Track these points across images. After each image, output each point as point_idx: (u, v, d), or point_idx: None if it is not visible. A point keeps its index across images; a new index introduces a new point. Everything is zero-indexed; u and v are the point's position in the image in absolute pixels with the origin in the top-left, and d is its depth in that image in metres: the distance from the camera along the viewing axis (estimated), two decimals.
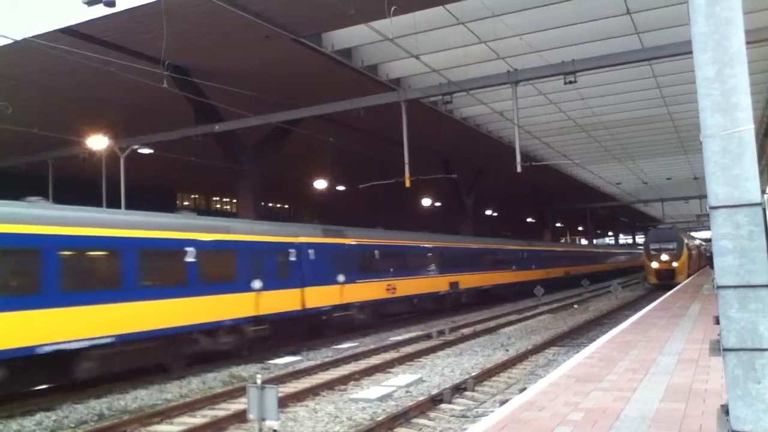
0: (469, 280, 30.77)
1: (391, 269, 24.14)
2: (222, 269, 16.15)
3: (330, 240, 20.50)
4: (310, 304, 18.90)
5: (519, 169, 19.80)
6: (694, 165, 43.27)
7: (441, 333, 20.80)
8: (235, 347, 16.30)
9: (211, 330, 15.41)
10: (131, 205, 20.65)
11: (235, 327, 16.18)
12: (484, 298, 33.46)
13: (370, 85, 21.43)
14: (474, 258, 32.24)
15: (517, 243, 39.97)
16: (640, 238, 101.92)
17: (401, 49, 15.80)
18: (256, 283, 16.83)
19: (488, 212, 62.47)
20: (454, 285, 28.91)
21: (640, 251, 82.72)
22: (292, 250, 18.59)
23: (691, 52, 3.55)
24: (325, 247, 20.08)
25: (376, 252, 23.37)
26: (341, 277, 20.47)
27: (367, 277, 22.24)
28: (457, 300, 30.21)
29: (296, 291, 18.46)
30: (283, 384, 12.93)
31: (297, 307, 18.41)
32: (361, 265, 22.05)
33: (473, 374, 12.82)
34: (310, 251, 19.24)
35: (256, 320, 16.77)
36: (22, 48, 16.67)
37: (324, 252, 19.94)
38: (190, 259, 14.96)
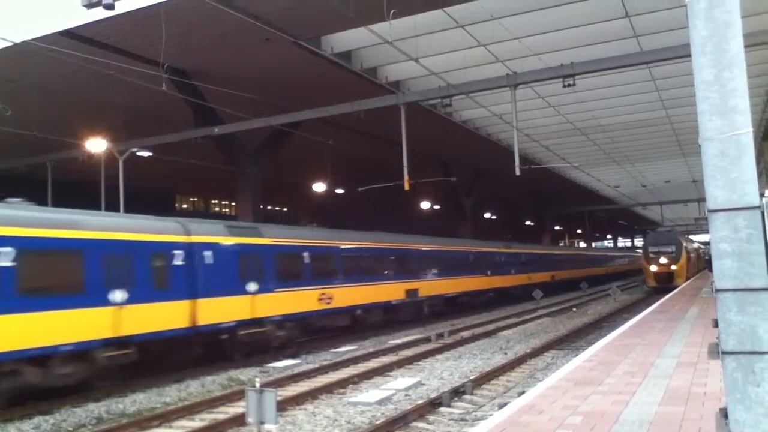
0: (431, 287, 27.24)
1: (327, 275, 20.39)
2: (59, 276, 12.52)
3: (237, 240, 16.90)
4: (205, 319, 15.23)
5: (518, 172, 19.81)
6: (692, 168, 43.31)
7: (440, 336, 20.77)
8: (83, 380, 12.61)
9: (40, 358, 11.73)
10: (130, 208, 20.67)
11: (81, 353, 12.45)
12: (452, 307, 29.70)
13: (369, 88, 21.43)
14: (439, 261, 28.63)
15: (493, 245, 36.35)
16: (638, 241, 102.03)
17: (401, 52, 15.82)
18: (117, 295, 13.24)
19: (487, 215, 62.47)
20: (411, 293, 25.31)
21: (636, 254, 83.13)
22: (177, 252, 14.84)
23: (689, 55, 3.56)
24: (229, 249, 16.47)
25: (306, 255, 19.49)
26: (252, 286, 16.91)
27: (291, 284, 18.53)
28: (418, 310, 26.47)
29: (183, 304, 14.72)
30: (282, 387, 12.91)
31: (183, 324, 14.66)
32: (283, 270, 18.35)
33: (472, 377, 12.81)
34: (207, 253, 15.65)
35: (118, 343, 13.15)
36: (21, 50, 16.66)
37: (228, 254, 16.35)
38: (2, 263, 11.43)
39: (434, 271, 27.86)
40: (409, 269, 25.80)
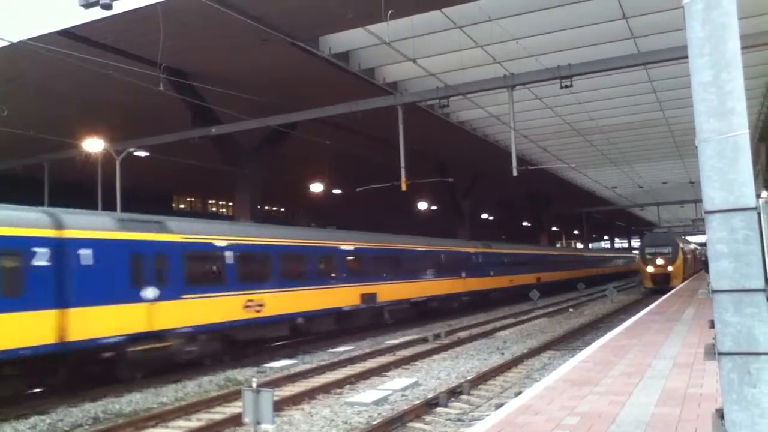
0: (393, 291, 24.35)
1: (257, 278, 17.63)
2: None
3: (130, 236, 13.99)
4: (79, 334, 12.48)
5: (515, 173, 19.83)
6: (689, 169, 43.38)
7: (437, 336, 20.79)
8: None
9: None
10: (127, 208, 20.65)
11: None
12: (420, 312, 27.12)
13: (367, 89, 21.44)
14: (403, 262, 25.85)
15: (470, 244, 33.63)
16: (635, 242, 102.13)
17: (398, 52, 15.82)
18: None
19: (485, 216, 62.52)
20: (368, 297, 22.43)
21: (631, 255, 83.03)
22: (38, 250, 12.06)
23: (687, 57, 3.56)
24: (117, 247, 13.63)
25: (229, 254, 16.66)
26: (150, 292, 14.05)
27: (206, 290, 15.76)
28: (377, 316, 23.61)
29: (46, 315, 12.00)
30: (279, 387, 12.91)
31: (47, 339, 11.96)
32: (197, 272, 15.74)
33: (469, 378, 12.82)
34: (84, 252, 12.87)
35: None
36: (18, 50, 16.65)
37: (116, 254, 13.58)
38: None
39: (397, 272, 25.03)
40: (365, 271, 22.92)
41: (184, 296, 14.97)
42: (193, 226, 16.29)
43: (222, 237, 16.74)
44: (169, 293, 14.54)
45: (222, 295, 16.19)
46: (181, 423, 10.64)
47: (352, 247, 22.56)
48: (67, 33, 16.79)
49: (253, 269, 17.79)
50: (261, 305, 17.34)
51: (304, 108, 22.11)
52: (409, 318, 25.92)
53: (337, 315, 21.04)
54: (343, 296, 21.32)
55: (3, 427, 10.38)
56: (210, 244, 16.30)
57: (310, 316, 19.53)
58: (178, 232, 15.28)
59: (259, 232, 18.67)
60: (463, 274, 30.99)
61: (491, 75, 20.28)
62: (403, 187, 20.08)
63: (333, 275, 21.22)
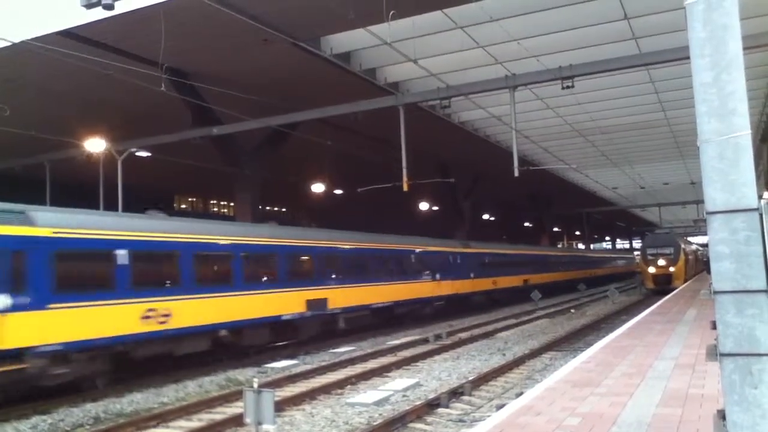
0: (349, 296, 21.35)
1: (160, 283, 14.70)
2: None
3: None
4: None
5: (516, 174, 19.84)
6: (691, 170, 43.37)
7: (438, 337, 20.78)
8: None
9: None
10: (128, 208, 20.66)
11: None
12: (388, 319, 24.58)
13: (368, 89, 21.44)
14: (363, 263, 22.80)
15: (446, 243, 30.70)
16: (637, 243, 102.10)
17: (399, 53, 15.84)
18: None
19: (486, 217, 62.51)
20: (316, 303, 19.50)
21: (628, 256, 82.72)
22: None
23: (688, 58, 3.56)
24: None
25: (121, 253, 13.69)
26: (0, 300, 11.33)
27: (87, 297, 12.83)
28: (330, 325, 20.68)
29: None
30: (280, 388, 12.92)
31: None
32: (74, 276, 12.78)
33: (470, 378, 12.82)
34: None
35: None
36: (20, 50, 16.66)
37: None
38: None
39: (355, 275, 22.01)
40: (312, 273, 19.96)
41: (52, 306, 12.06)
42: (70, 217, 13.18)
43: (110, 232, 13.64)
44: (28, 302, 11.67)
45: (110, 303, 13.23)
46: (182, 423, 10.64)
47: (295, 245, 19.44)
48: (68, 33, 16.80)
49: (156, 272, 14.79)
50: (166, 315, 14.31)
51: (305, 108, 22.11)
52: (375, 325, 23.27)
53: (275, 325, 18.04)
54: (282, 303, 18.17)
55: (4, 427, 10.40)
56: (93, 240, 13.21)
57: (237, 328, 16.57)
58: (45, 225, 12.34)
59: (165, 227, 15.24)
60: (437, 276, 28.32)
61: (493, 75, 20.27)
62: (405, 188, 20.08)
63: (269, 278, 18.16)
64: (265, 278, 18.12)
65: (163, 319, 14.23)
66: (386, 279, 24.08)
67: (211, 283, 16.09)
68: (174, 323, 14.47)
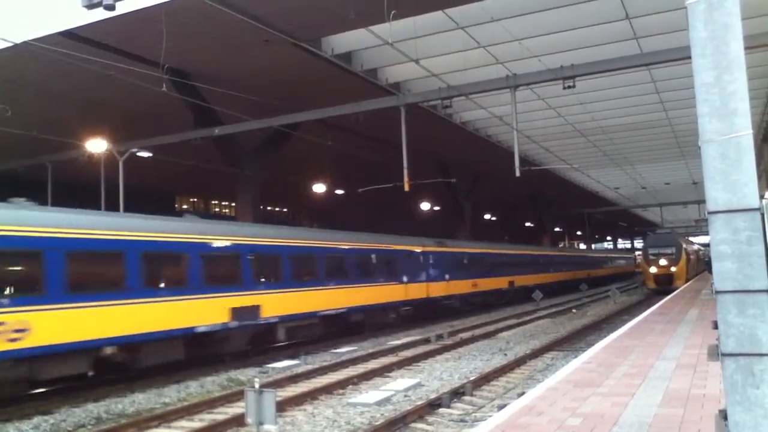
0: (289, 302, 18.42)
1: (16, 291, 11.70)
2: None
3: None
4: None
5: (517, 174, 19.83)
6: (692, 170, 43.35)
7: (440, 337, 20.78)
8: None
9: None
10: (130, 209, 20.66)
11: None
12: (345, 327, 21.59)
13: (369, 90, 21.45)
14: (308, 264, 19.84)
15: (413, 242, 26.99)
16: (638, 243, 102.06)
17: (401, 53, 15.82)
18: None
19: (487, 216, 62.51)
20: (244, 312, 16.54)
21: (627, 256, 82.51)
22: None
23: (689, 57, 3.56)
24: None
25: None
26: None
27: None
28: (265, 338, 17.93)
29: None
30: (282, 388, 12.92)
31: None
32: None
33: (472, 379, 12.81)
34: None
35: None
36: (21, 51, 16.68)
37: None
38: None
39: (299, 277, 19.21)
40: (240, 276, 16.87)
41: None
42: None
43: None
44: None
45: None
46: (184, 423, 10.65)
47: (214, 244, 16.30)
48: (69, 34, 16.83)
49: (8, 277, 11.76)
50: (21, 331, 11.31)
51: (307, 109, 22.13)
52: (326, 335, 20.49)
53: (188, 339, 15.01)
54: (196, 311, 15.11)
55: (6, 427, 10.41)
56: None
57: (131, 344, 13.50)
58: None
59: (19, 219, 11.83)
60: (404, 279, 25.20)
61: (494, 75, 20.27)
62: (406, 188, 20.09)
63: (177, 282, 14.97)
64: (172, 282, 14.88)
65: (16, 335, 11.23)
66: (339, 282, 21.10)
67: (93, 290, 12.89)
68: (32, 341, 11.46)
